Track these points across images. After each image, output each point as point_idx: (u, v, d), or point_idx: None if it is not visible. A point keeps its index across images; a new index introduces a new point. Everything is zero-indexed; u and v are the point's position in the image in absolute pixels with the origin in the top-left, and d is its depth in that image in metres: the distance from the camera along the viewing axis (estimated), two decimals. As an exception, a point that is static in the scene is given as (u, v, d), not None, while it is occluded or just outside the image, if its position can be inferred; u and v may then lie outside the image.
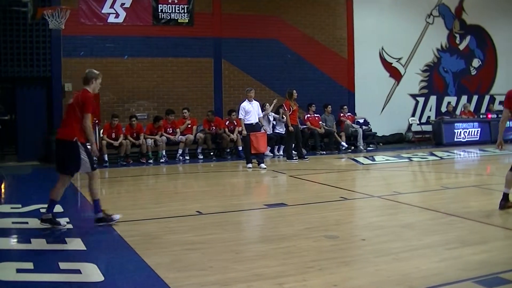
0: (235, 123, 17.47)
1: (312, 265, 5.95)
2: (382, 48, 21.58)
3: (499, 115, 21.76)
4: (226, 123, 17.90)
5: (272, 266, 5.96)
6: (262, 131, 15.31)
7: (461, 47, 23.15)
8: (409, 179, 13.71)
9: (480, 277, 5.50)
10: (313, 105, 19.07)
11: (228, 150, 17.79)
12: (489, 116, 21.81)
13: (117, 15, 17.91)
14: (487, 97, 23.79)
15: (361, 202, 10.35)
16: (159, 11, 18.41)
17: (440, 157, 17.02)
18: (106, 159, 16.31)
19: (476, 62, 23.50)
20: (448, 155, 17.40)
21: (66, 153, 7.92)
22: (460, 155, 17.71)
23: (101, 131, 16.59)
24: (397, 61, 21.94)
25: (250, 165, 14.72)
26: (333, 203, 9.77)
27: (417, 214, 8.92)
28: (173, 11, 18.51)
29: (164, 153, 17.02)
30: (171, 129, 17.44)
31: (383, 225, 8.02)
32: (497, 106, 23.36)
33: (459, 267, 5.84)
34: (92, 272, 5.77)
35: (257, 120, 15.02)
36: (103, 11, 17.76)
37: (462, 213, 8.53)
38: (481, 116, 22.08)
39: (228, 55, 19.00)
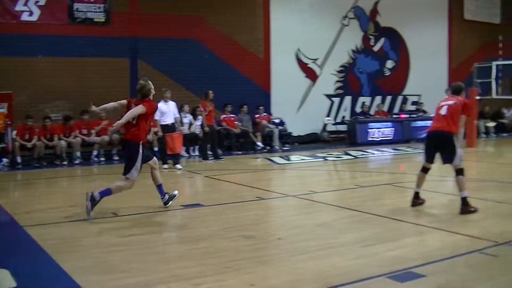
0: (151, 124, 17.16)
1: (230, 265, 5.92)
2: (299, 49, 21.77)
3: (412, 115, 22.47)
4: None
5: (190, 266, 5.91)
6: (178, 131, 15.13)
7: (376, 48, 23.65)
8: (324, 178, 13.87)
9: (394, 273, 5.61)
10: (229, 105, 19.04)
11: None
12: (402, 116, 22.36)
13: (31, 13, 17.28)
14: (400, 98, 24.37)
15: (277, 201, 10.38)
16: (75, 9, 17.91)
17: (355, 156, 17.31)
18: (19, 161, 15.76)
19: (389, 64, 24.07)
20: (362, 154, 17.71)
21: None
22: (374, 154, 18.05)
23: (14, 132, 16.01)
24: (313, 62, 22.18)
25: (165, 165, 14.54)
26: (249, 203, 9.76)
27: (333, 212, 9.02)
28: (89, 10, 18.06)
29: (78, 155, 16.60)
30: (85, 130, 17.01)
31: (299, 224, 8.06)
32: (409, 106, 23.99)
33: (374, 264, 5.93)
34: (3, 278, 5.54)
35: (173, 121, 14.85)
36: (16, 9, 17.10)
37: (376, 211, 8.68)
38: (394, 116, 22.59)
39: (145, 55, 18.69)
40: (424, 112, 22.85)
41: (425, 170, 9.05)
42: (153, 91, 8.99)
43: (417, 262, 5.96)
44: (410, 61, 24.58)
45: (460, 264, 6.02)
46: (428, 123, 9.96)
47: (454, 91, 9.22)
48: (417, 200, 9.07)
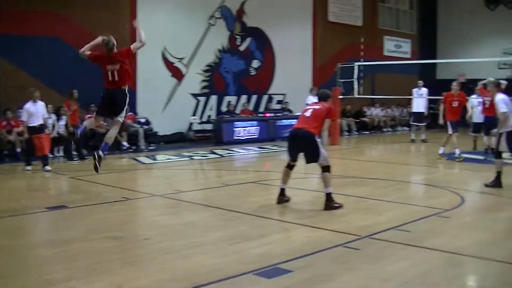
0: (13, 124, 16.40)
1: (96, 267, 5.80)
2: (165, 48, 21.53)
3: (277, 114, 22.85)
4: (4, 124, 16.68)
5: (57, 270, 5.75)
6: (46, 132, 14.49)
7: (242, 48, 23.81)
8: (191, 177, 13.81)
9: (261, 269, 5.66)
10: (92, 104, 18.49)
11: (6, 152, 16.63)
12: (267, 115, 22.66)
13: None
14: (265, 97, 24.70)
15: (144, 201, 10.21)
16: None
17: (221, 155, 17.35)
18: None
19: (255, 63, 24.31)
20: (228, 153, 17.78)
21: None
22: (239, 152, 18.17)
23: None
24: (179, 61, 22.00)
25: (29, 167, 13.92)
26: (115, 204, 9.54)
27: (199, 211, 8.96)
28: None
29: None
30: None
31: (166, 223, 8.00)
32: (274, 105, 24.37)
33: (241, 261, 5.96)
34: None
35: (41, 122, 14.21)
36: None
37: (242, 209, 8.74)
38: (259, 115, 22.86)
39: (6, 53, 17.73)
40: (290, 111, 23.30)
41: (290, 167, 9.21)
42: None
43: (283, 258, 6.05)
44: (275, 61, 24.95)
45: (324, 258, 6.17)
46: (293, 122, 10.15)
47: (321, 98, 9.48)
48: (282, 197, 9.20)
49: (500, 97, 10.87)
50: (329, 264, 5.97)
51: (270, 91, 24.78)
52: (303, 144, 8.95)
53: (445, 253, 6.46)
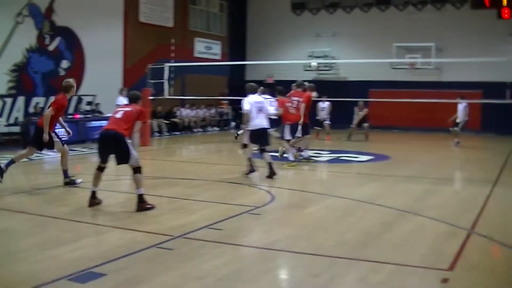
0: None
1: None
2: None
3: (87, 115, 22.45)
4: None
5: None
6: None
7: (51, 48, 23.04)
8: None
9: (75, 274, 5.67)
10: None
11: None
12: (77, 116, 22.19)
13: None
14: (75, 98, 24.13)
15: None
16: None
17: (29, 158, 16.68)
18: None
19: (65, 63, 23.66)
20: (37, 156, 17.12)
21: None
22: (49, 155, 17.61)
23: None
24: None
25: None
26: None
27: (9, 218, 8.67)
28: None
29: None
30: None
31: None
32: (85, 106, 23.90)
33: (55, 267, 5.94)
34: None
35: None
36: None
37: (54, 213, 8.63)
38: (69, 117, 22.31)
39: None
40: (100, 112, 23.00)
41: (100, 169, 9.23)
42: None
43: (97, 261, 6.10)
44: (85, 61, 24.46)
45: (138, 260, 6.30)
46: (104, 123, 10.15)
47: (131, 99, 9.61)
48: (94, 200, 9.19)
49: (249, 98, 12.45)
50: (144, 265, 6.11)
51: (80, 92, 24.22)
52: (113, 145, 9.01)
53: (257, 249, 6.85)
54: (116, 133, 8.93)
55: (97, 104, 23.77)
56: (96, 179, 9.21)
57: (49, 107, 11.47)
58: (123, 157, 8.96)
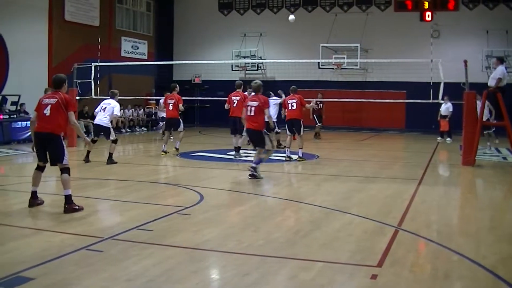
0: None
1: None
2: None
3: (12, 116, 21.91)
4: None
5: None
6: None
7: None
8: None
9: (2, 279, 5.57)
10: None
11: None
12: (1, 116, 21.66)
13: None
14: (-1, 98, 23.57)
15: None
16: None
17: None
18: None
19: (-14, 63, 23.10)
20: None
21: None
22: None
23: None
24: None
25: None
26: None
27: None
28: None
29: None
30: None
31: None
32: (9, 106, 23.30)
33: (-21, 272, 5.78)
34: None
35: None
36: None
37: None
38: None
39: None
40: (26, 112, 22.48)
41: (40, 168, 9.08)
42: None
43: (24, 265, 5.99)
44: (9, 61, 23.89)
45: (67, 263, 6.20)
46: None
47: (56, 84, 9.27)
48: (35, 200, 9.06)
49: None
50: (73, 268, 6.03)
51: (4, 92, 23.64)
52: (47, 144, 8.88)
53: (187, 249, 6.86)
54: (49, 134, 8.81)
55: (22, 104, 23.20)
56: (36, 179, 9.09)
57: None
58: (55, 157, 8.85)
